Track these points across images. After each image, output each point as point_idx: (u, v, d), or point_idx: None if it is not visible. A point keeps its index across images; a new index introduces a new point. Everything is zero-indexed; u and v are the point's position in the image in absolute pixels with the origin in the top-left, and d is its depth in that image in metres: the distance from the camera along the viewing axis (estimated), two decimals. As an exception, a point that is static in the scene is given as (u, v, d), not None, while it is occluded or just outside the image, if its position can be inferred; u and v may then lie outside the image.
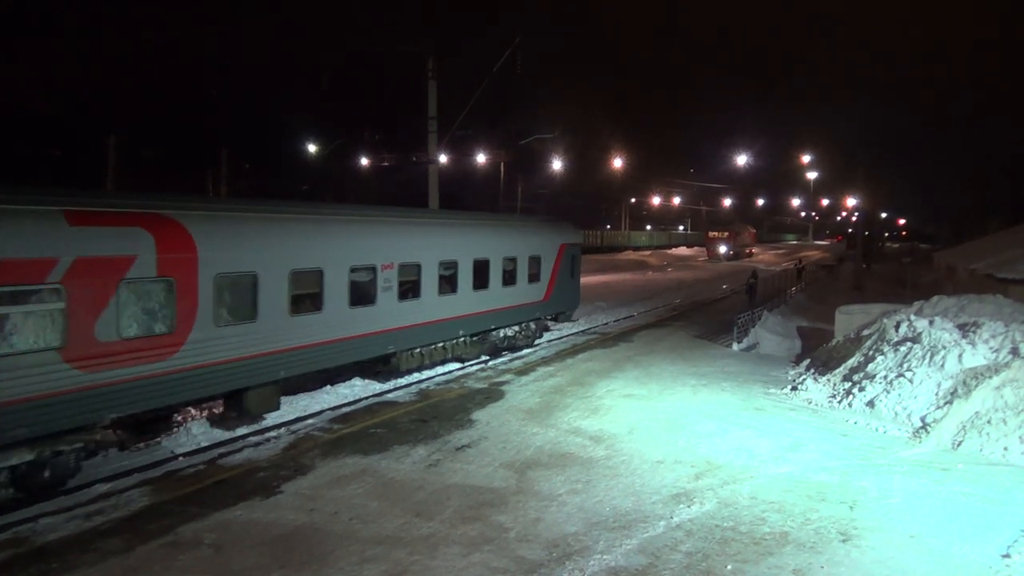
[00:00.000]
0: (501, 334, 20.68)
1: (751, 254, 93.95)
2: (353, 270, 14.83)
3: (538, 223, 23.33)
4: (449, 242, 17.94)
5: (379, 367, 17.06)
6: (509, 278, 20.34)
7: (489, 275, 19.29)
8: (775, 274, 41.98)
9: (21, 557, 8.14)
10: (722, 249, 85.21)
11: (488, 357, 20.22)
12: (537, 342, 22.96)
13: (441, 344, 18.03)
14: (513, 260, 20.54)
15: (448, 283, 17.88)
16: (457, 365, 19.37)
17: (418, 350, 17.25)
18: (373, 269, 15.34)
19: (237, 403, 13.07)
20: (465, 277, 18.33)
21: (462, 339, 18.74)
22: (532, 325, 22.22)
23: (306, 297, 13.88)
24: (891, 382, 15.05)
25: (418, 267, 16.64)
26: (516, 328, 21.30)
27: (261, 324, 12.80)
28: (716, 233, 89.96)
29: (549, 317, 23.78)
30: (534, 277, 21.69)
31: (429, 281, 17.01)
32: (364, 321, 15.17)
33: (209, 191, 43.32)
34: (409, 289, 16.53)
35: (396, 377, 17.44)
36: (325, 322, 14.19)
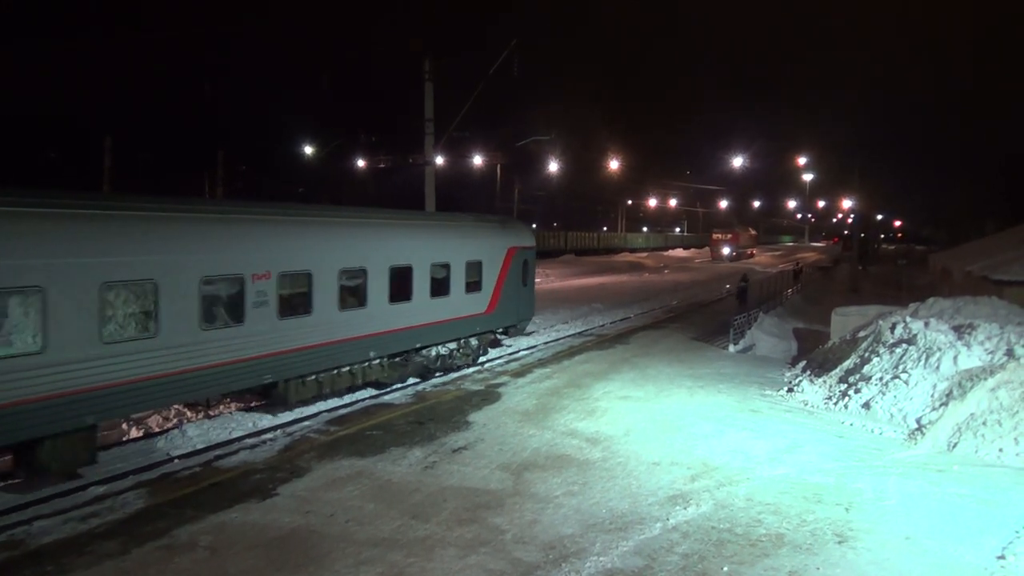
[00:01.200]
0: (433, 352, 17.76)
1: (752, 255, 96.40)
2: (208, 282, 11.85)
3: (479, 224, 20.46)
4: (355, 246, 15.07)
5: (259, 399, 14.94)
6: (440, 288, 17.49)
7: (412, 285, 16.43)
8: (771, 276, 42.02)
9: (16, 560, 8.12)
10: (725, 250, 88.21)
11: (419, 379, 17.63)
12: (484, 359, 20.27)
13: (347, 368, 15.14)
14: (445, 267, 17.71)
15: (354, 295, 15.04)
16: (370, 392, 16.48)
17: (313, 377, 14.32)
18: (240, 280, 12.36)
19: (28, 457, 10.19)
20: (378, 288, 15.43)
21: (377, 361, 15.93)
22: (474, 341, 19.44)
23: (133, 319, 10.96)
24: (887, 384, 15.09)
25: (308, 277, 13.76)
26: (453, 345, 18.52)
27: (52, 354, 9.69)
28: (719, 235, 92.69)
29: (499, 331, 21.18)
30: (474, 286, 18.86)
31: (325, 294, 14.13)
32: (224, 346, 12.17)
33: (206, 192, 43.28)
34: (296, 304, 13.66)
35: (286, 409, 14.59)
36: (161, 349, 11.07)
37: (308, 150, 47.99)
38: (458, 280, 18.17)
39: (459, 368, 18.70)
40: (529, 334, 23.52)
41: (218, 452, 12.02)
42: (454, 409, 14.72)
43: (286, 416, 14.47)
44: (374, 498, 10.01)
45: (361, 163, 43.35)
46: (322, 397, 15.17)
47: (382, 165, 37.98)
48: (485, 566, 8.18)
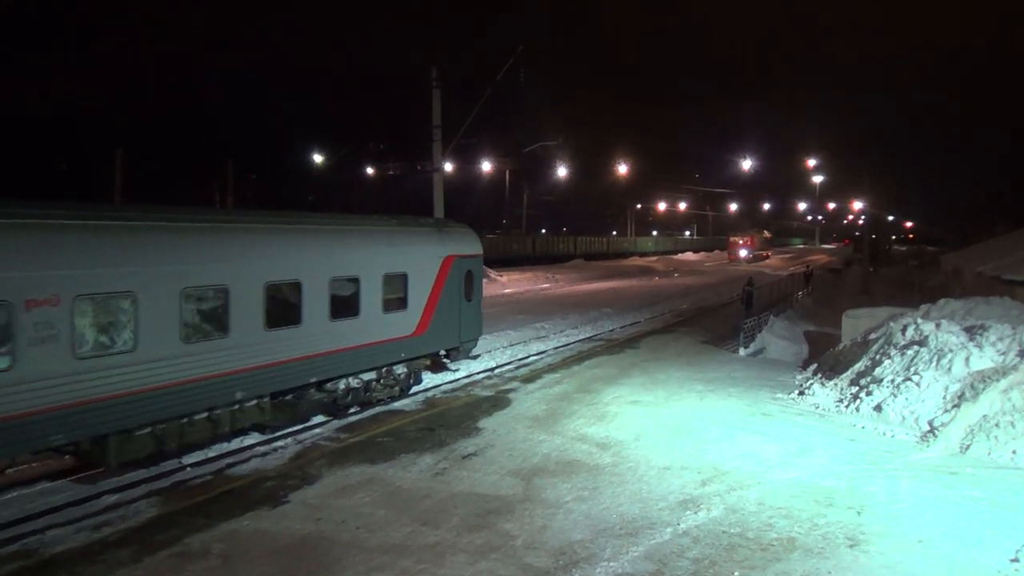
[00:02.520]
0: (342, 386, 14.51)
1: (767, 257, 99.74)
2: None
3: (404, 229, 16.74)
4: (209, 257, 11.66)
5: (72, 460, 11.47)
6: (345, 308, 14.25)
7: (302, 306, 13.16)
8: (782, 279, 41.89)
9: (30, 569, 8.19)
10: (742, 253, 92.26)
11: (329, 417, 14.67)
12: (420, 388, 17.30)
13: (204, 415, 11.76)
14: (354, 281, 14.44)
15: (210, 322, 11.77)
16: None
17: (148, 430, 10.98)
18: (7, 307, 9.02)
19: None
20: (246, 311, 12.04)
21: (253, 403, 12.55)
22: (400, 369, 16.17)
23: None
24: (898, 386, 15.01)
25: (132, 299, 10.39)
26: (371, 375, 15.28)
27: None
28: (736, 238, 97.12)
29: (442, 355, 18.17)
30: (396, 303, 15.64)
31: (158, 321, 10.72)
32: None
33: (216, 202, 43.56)
34: (110, 336, 10.34)
35: (112, 476, 11.27)
36: None
37: (317, 158, 48.26)
38: (372, 297, 14.86)
39: (382, 402, 15.68)
40: (475, 357, 20.18)
41: (230, 460, 12.08)
42: (464, 415, 14.74)
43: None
44: (384, 505, 10.04)
45: (370, 170, 43.53)
46: (161, 457, 11.73)
47: (391, 172, 38.12)
48: (495, 572, 8.19)
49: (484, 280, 49.65)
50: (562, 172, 57.34)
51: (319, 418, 14.79)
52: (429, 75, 24.56)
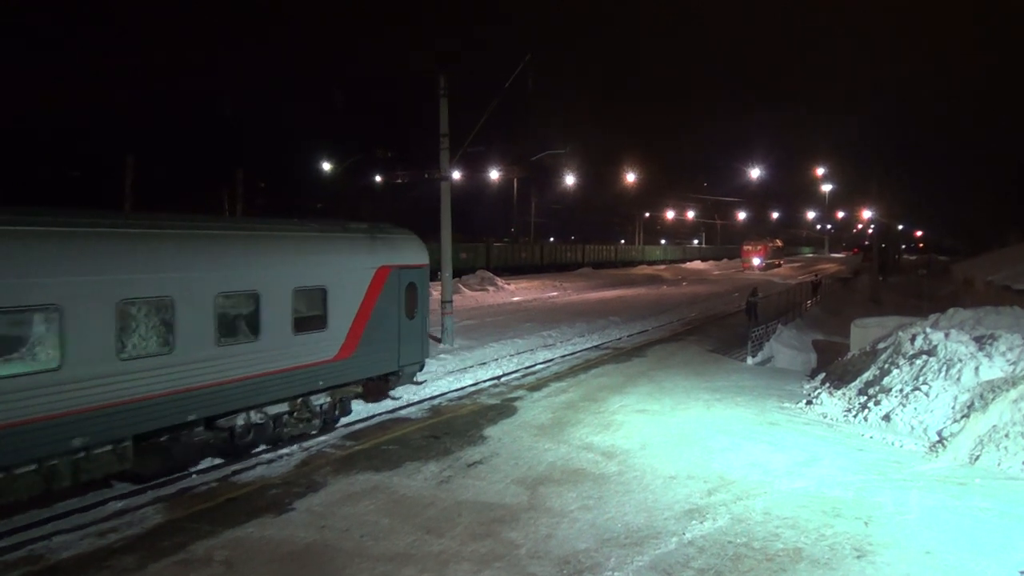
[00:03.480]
0: (240, 422, 12.29)
1: (780, 265, 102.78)
2: None
3: (321, 234, 14.30)
4: (23, 267, 9.14)
5: None
6: (238, 329, 12.11)
7: (174, 328, 10.82)
8: (791, 287, 41.74)
9: (35, 575, 8.21)
10: (755, 261, 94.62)
11: (226, 459, 12.55)
12: (351, 420, 15.07)
13: (32, 467, 9.43)
14: (252, 297, 12.16)
15: (35, 350, 9.54)
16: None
17: None
18: None
19: None
20: (89, 337, 9.72)
21: (106, 450, 10.19)
22: (320, 399, 13.85)
23: None
24: (907, 396, 14.92)
25: None
26: (280, 408, 13.00)
27: None
28: (750, 247, 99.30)
29: (381, 379, 15.77)
30: (311, 323, 13.32)
31: None
32: None
33: (225, 210, 43.77)
34: None
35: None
36: None
37: (326, 167, 48.46)
38: (277, 316, 12.51)
39: (298, 439, 13.50)
40: (421, 383, 17.72)
41: (236, 467, 12.10)
42: (469, 423, 14.72)
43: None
44: (389, 513, 10.02)
45: (379, 178, 43.63)
46: None
47: (399, 180, 38.21)
48: (499, 581, 8.15)
49: (492, 288, 49.53)
50: (570, 180, 57.41)
51: (345, 426, 14.72)
52: (437, 84, 24.62)
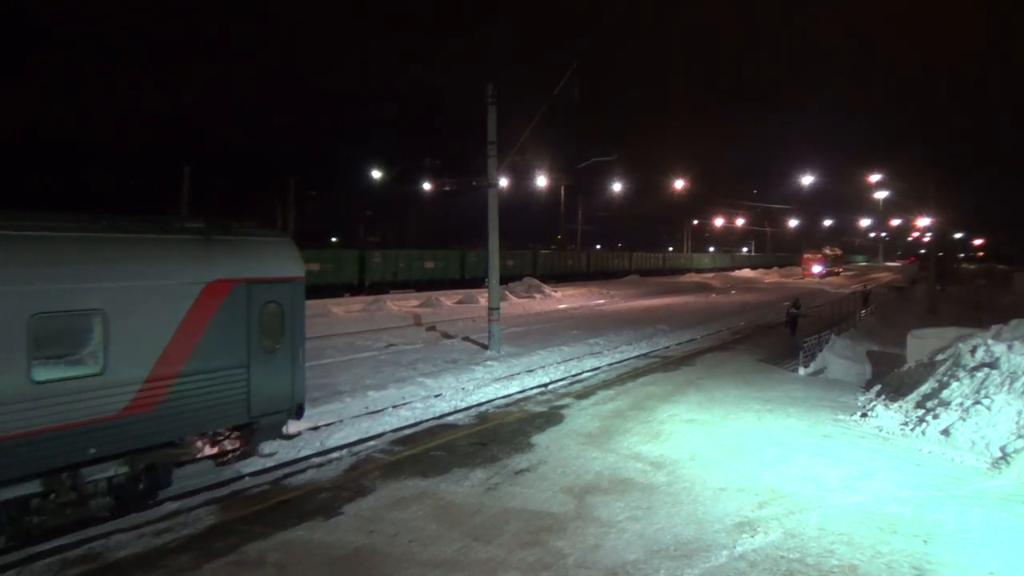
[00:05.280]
0: None
1: (839, 273, 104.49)
2: None
3: (106, 235, 9.99)
4: None
5: None
6: None
7: None
8: (843, 296, 40.83)
9: (93, 573, 8.45)
10: (816, 268, 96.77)
11: None
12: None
13: None
14: None
15: None
16: None
17: None
18: None
19: None
20: None
21: None
22: (105, 471, 10.02)
23: None
24: (967, 409, 14.44)
25: None
26: (30, 488, 9.20)
27: None
28: (810, 255, 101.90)
29: (226, 433, 12.00)
30: (71, 363, 9.27)
31: None
32: None
33: (277, 219, 44.69)
34: None
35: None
36: None
37: (375, 175, 49.10)
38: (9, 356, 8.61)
39: (64, 531, 9.67)
40: (291, 437, 13.63)
41: (287, 470, 12.29)
42: (516, 431, 14.70)
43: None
44: (436, 519, 10.06)
45: (427, 186, 44.04)
46: None
47: (447, 188, 38.50)
48: (547, 590, 8.11)
49: (538, 295, 49.26)
50: (617, 187, 57.09)
51: (376, 430, 14.77)
52: (484, 92, 24.74)
